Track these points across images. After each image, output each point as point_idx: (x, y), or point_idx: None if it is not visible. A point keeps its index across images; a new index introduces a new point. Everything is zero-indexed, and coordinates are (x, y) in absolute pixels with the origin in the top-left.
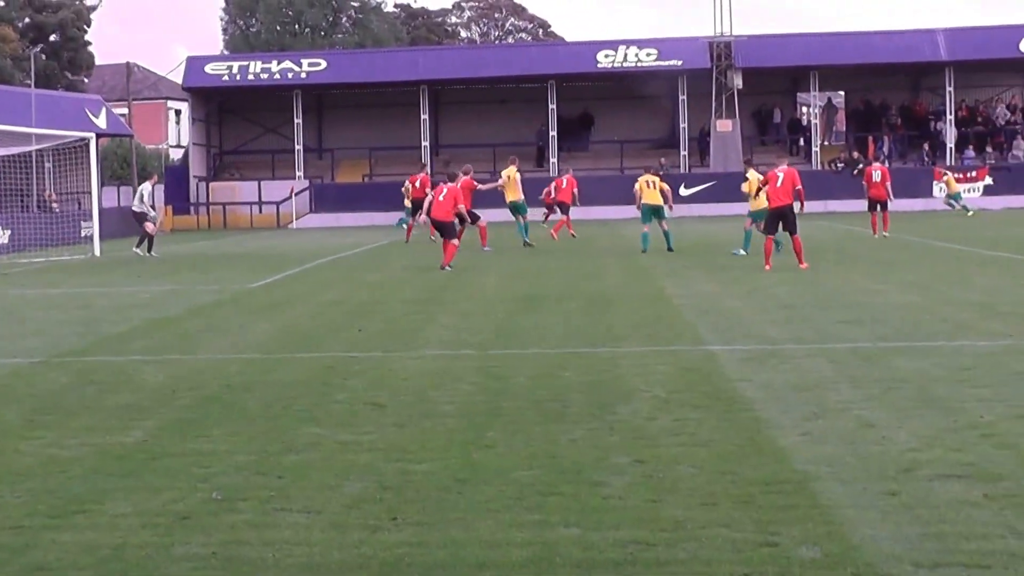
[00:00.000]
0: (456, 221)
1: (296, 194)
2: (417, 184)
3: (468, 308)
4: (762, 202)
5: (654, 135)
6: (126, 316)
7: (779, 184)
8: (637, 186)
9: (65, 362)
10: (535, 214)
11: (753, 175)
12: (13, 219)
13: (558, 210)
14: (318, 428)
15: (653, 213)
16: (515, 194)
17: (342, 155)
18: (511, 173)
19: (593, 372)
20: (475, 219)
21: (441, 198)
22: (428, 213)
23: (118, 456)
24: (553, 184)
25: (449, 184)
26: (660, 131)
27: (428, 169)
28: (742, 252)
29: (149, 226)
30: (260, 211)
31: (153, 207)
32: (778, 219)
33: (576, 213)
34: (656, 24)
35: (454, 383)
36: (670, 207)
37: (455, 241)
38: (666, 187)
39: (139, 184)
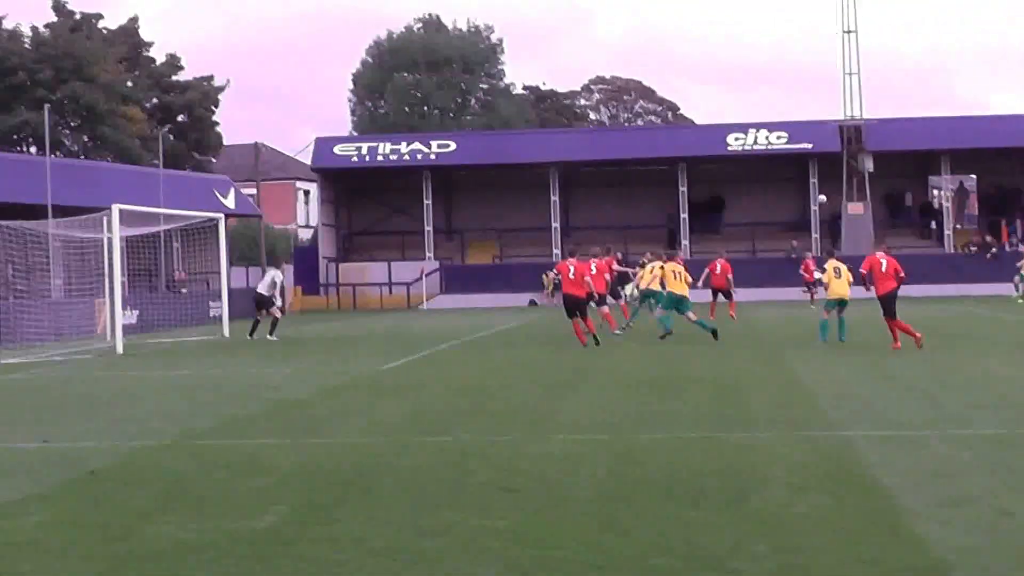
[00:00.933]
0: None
1: (426, 275)
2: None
3: (600, 391)
4: (835, 291)
5: (785, 217)
6: (256, 398)
7: (883, 269)
8: (656, 271)
9: (195, 444)
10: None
11: (831, 264)
12: (141, 299)
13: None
14: (451, 513)
15: (677, 304)
16: (654, 284)
17: (472, 236)
18: (655, 269)
19: (727, 457)
20: (601, 301)
21: (571, 275)
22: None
23: (249, 541)
24: (707, 269)
25: (575, 260)
26: (791, 213)
27: (615, 253)
28: (821, 340)
29: (276, 311)
30: (390, 292)
31: (281, 292)
32: (889, 302)
33: (705, 295)
34: (785, 107)
35: (588, 467)
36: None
37: (604, 308)
38: (690, 278)
39: (269, 266)
